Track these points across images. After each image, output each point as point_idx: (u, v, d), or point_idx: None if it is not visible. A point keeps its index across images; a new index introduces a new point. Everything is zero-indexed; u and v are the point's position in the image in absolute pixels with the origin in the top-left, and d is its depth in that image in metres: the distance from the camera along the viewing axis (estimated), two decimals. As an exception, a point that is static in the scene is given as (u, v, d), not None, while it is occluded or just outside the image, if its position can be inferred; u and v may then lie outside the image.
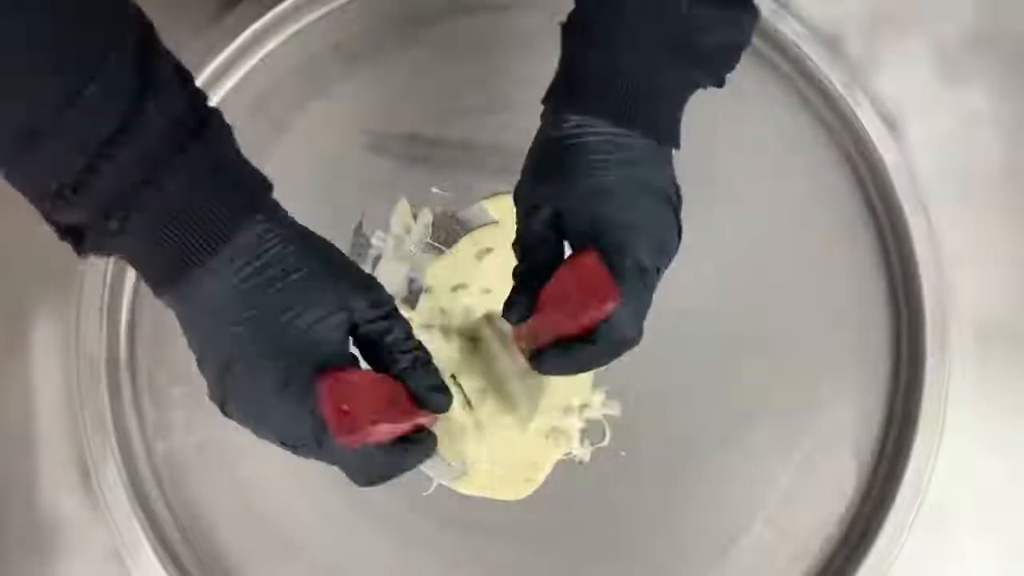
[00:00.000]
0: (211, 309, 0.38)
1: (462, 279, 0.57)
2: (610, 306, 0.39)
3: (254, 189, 0.39)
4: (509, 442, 0.54)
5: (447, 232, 0.57)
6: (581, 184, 0.42)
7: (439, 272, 0.57)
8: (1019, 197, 0.59)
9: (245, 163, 0.39)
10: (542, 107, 0.44)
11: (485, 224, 0.58)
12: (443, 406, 0.40)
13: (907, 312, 0.57)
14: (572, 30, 0.44)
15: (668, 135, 0.43)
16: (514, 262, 0.45)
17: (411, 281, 0.57)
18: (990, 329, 0.57)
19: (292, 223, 0.40)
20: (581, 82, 0.42)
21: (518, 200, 0.44)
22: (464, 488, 0.55)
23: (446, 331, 0.55)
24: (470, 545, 0.54)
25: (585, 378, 0.55)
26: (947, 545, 0.55)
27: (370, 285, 0.41)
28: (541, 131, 0.44)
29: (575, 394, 0.55)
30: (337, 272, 0.40)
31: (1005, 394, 0.57)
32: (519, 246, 0.44)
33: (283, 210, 0.40)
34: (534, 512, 0.55)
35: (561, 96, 0.43)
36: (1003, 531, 0.56)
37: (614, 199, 0.41)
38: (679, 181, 0.44)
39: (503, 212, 0.58)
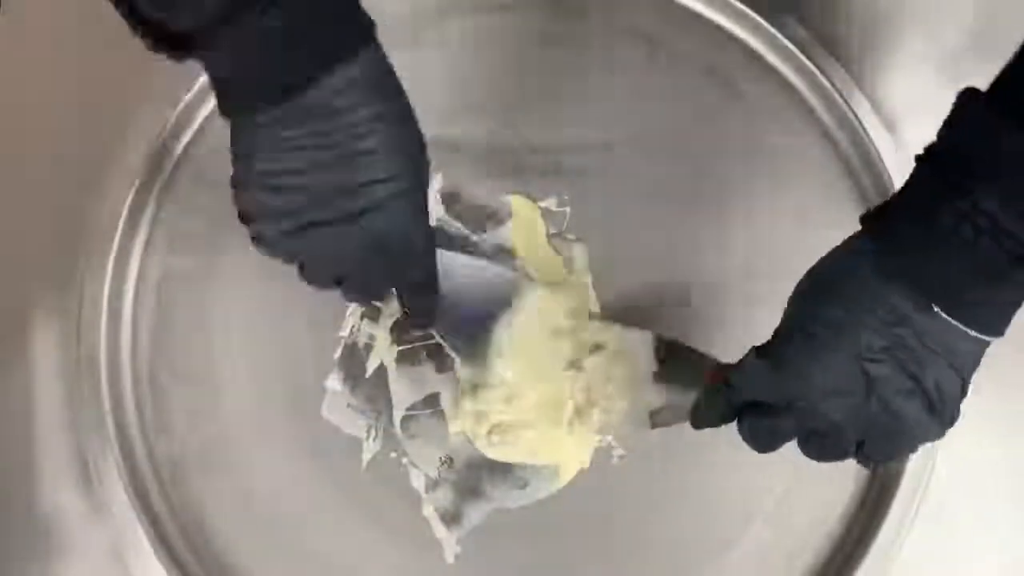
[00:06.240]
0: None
1: None
2: None
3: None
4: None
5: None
6: None
7: None
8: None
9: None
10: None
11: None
12: None
13: (907, 312, 0.57)
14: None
15: None
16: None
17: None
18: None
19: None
20: None
21: None
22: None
23: None
24: (470, 545, 0.54)
25: None
26: (947, 545, 0.55)
27: None
28: None
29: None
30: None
31: (1005, 393, 0.57)
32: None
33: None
34: (534, 512, 0.55)
35: None
36: (1003, 530, 0.56)
37: None
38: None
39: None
